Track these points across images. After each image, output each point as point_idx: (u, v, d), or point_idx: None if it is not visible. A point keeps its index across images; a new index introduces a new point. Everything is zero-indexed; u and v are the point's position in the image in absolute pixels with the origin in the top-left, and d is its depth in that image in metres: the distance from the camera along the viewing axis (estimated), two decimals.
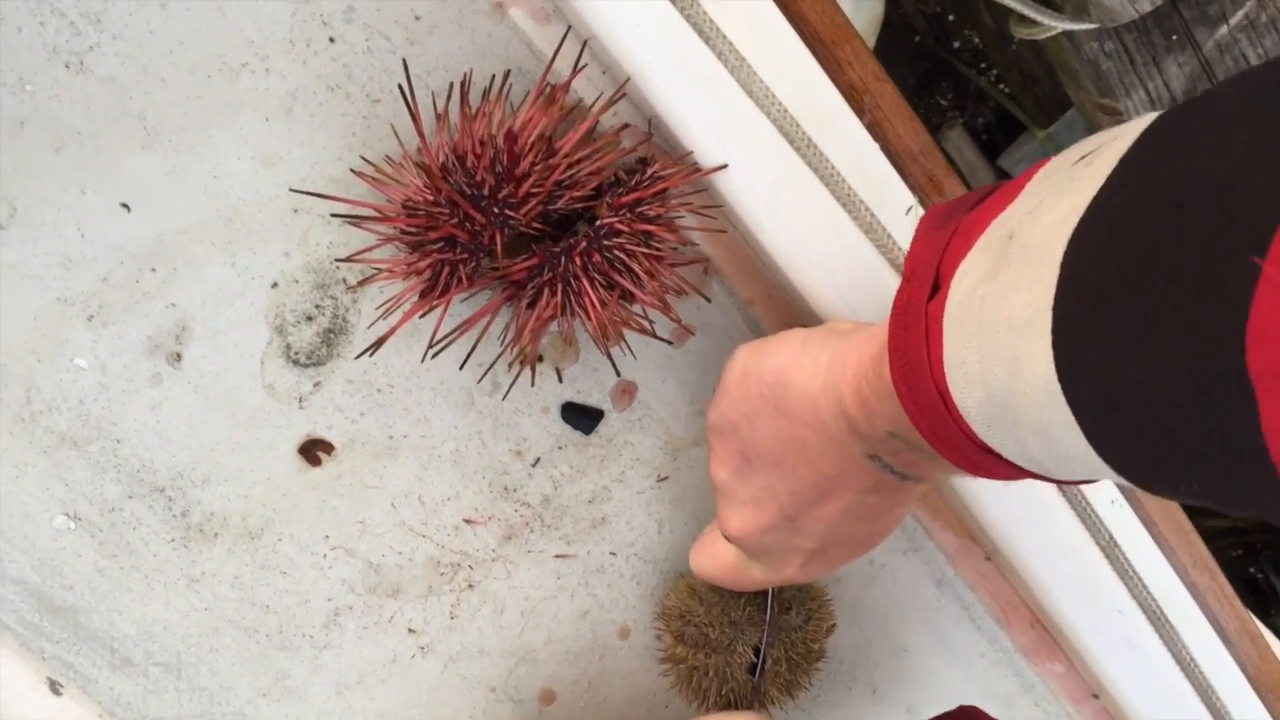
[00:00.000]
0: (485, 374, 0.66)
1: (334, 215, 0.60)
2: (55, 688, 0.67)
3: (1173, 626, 0.77)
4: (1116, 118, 1.09)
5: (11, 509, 0.64)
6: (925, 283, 0.45)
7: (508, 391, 0.67)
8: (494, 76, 0.60)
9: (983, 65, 1.61)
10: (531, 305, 0.58)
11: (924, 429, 0.45)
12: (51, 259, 0.59)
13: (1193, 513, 0.75)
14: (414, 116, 0.56)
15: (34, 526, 0.64)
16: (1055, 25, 1.01)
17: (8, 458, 0.63)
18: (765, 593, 0.68)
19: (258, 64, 0.58)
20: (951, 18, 1.61)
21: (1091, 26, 1.01)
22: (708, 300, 0.68)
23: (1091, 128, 1.19)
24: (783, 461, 0.56)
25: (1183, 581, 0.79)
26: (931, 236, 0.47)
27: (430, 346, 0.61)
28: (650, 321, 0.63)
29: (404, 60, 0.58)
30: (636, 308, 0.62)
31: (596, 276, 0.58)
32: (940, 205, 0.49)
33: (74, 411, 0.62)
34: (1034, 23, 1.04)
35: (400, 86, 0.59)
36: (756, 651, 0.68)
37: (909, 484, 0.54)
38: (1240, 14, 1.05)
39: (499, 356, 0.65)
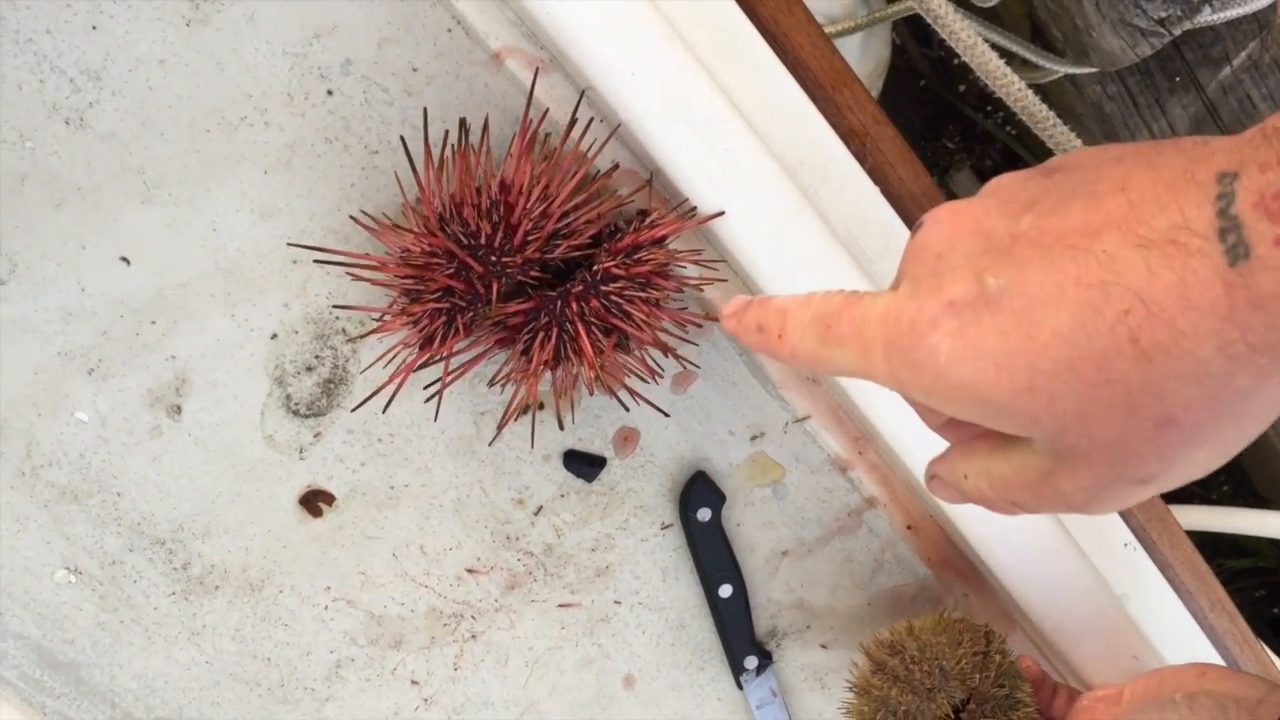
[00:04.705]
0: (499, 435, 0.66)
1: (317, 261, 0.60)
2: None
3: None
4: None
5: (13, 563, 0.63)
6: None
7: (497, 435, 0.67)
8: (480, 119, 0.60)
9: (988, 108, 1.62)
10: (527, 351, 0.58)
11: None
12: (52, 313, 0.60)
13: (1212, 554, 0.74)
14: (415, 169, 0.56)
15: (35, 581, 0.64)
16: (1057, 70, 1.02)
17: (9, 512, 0.63)
18: (983, 651, 0.65)
19: (256, 117, 0.58)
20: (956, 61, 1.61)
21: (1093, 70, 1.01)
22: (715, 321, 0.67)
23: None
24: (1078, 186, 0.36)
25: (1201, 626, 0.78)
26: None
27: (434, 398, 0.61)
28: (666, 354, 0.63)
29: (424, 109, 0.58)
30: (634, 360, 0.62)
31: (594, 322, 0.58)
32: None
33: (74, 465, 0.62)
34: (1036, 67, 1.04)
35: (402, 138, 0.59)
36: (956, 711, 0.64)
37: (1219, 281, 0.30)
38: (1243, 55, 1.05)
39: (509, 407, 0.64)
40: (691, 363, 0.68)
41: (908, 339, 0.36)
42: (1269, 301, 0.30)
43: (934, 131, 1.64)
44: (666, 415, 0.69)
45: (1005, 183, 0.38)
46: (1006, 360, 0.34)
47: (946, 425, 0.46)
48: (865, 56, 1.30)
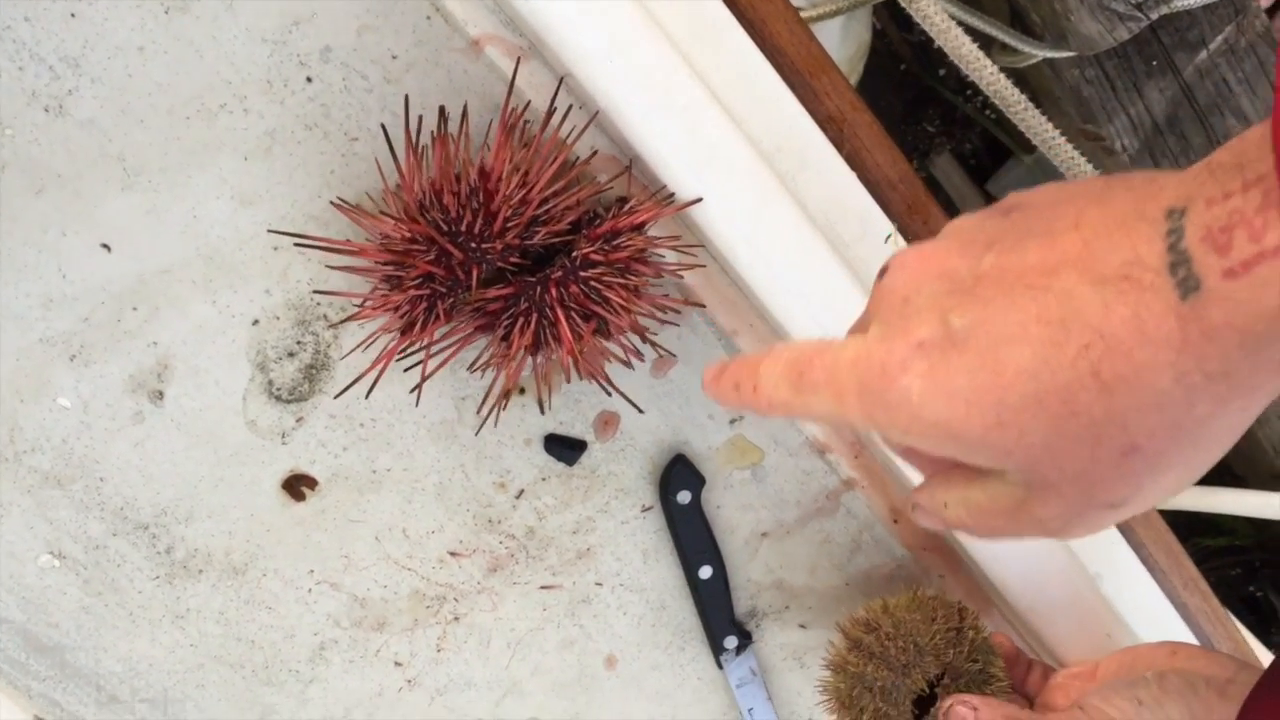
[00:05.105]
0: (484, 423, 0.67)
1: (298, 245, 0.60)
2: None
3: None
4: (1099, 143, 1.10)
5: None
6: None
7: (483, 423, 0.67)
8: (459, 106, 0.60)
9: (968, 92, 1.62)
10: (506, 337, 0.58)
11: None
12: (33, 300, 0.60)
13: (1188, 533, 0.75)
14: (395, 156, 0.57)
15: (19, 565, 0.65)
16: (1035, 53, 1.02)
17: None
18: (956, 627, 0.66)
19: (236, 104, 0.59)
20: (936, 45, 1.62)
21: (1071, 55, 1.01)
22: (702, 306, 0.68)
23: None
24: (1035, 224, 0.37)
25: (1174, 604, 0.79)
26: None
27: (417, 389, 0.62)
28: (644, 339, 0.63)
29: (406, 96, 0.58)
30: (614, 344, 0.62)
31: (573, 308, 0.58)
32: None
33: (57, 451, 0.63)
34: (1015, 51, 1.05)
35: (383, 125, 0.60)
36: (930, 686, 0.65)
37: (1172, 315, 0.31)
38: (1220, 39, 1.06)
39: (489, 392, 0.65)
40: (668, 350, 0.68)
41: (880, 382, 0.37)
42: (1220, 332, 0.31)
43: (914, 115, 1.65)
44: (641, 411, 0.70)
45: (964, 224, 0.40)
46: (976, 397, 0.35)
47: (912, 455, 0.46)
48: (846, 40, 1.30)
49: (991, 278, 0.36)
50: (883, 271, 0.40)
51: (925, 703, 0.65)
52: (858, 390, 0.38)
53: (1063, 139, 0.84)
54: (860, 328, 0.41)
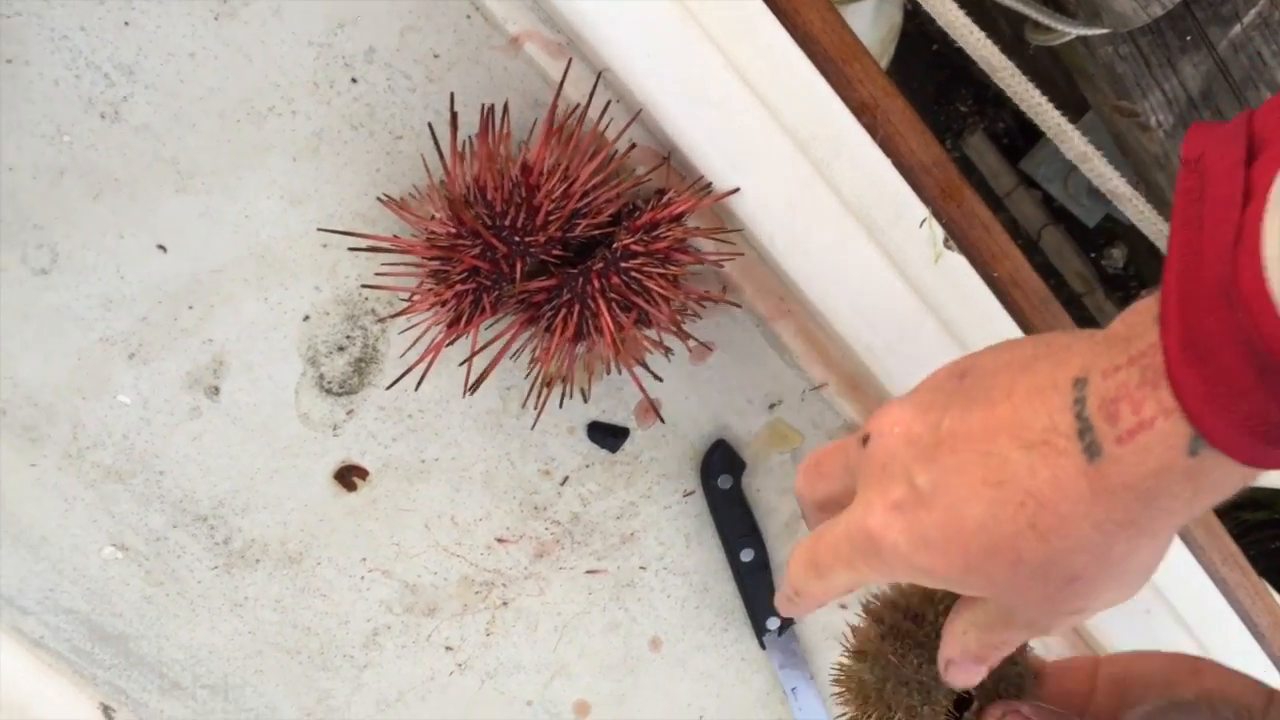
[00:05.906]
0: (541, 408, 0.68)
1: (351, 249, 0.62)
2: (108, 713, 0.70)
3: (1204, 623, 0.78)
4: (1134, 119, 1.10)
5: (62, 541, 0.66)
6: (1234, 179, 0.34)
7: (538, 417, 0.69)
8: (489, 105, 0.61)
9: None
10: (550, 328, 0.60)
11: (1180, 333, 0.34)
12: (93, 301, 0.62)
13: (1229, 507, 0.75)
14: (441, 154, 0.58)
15: (83, 557, 0.67)
16: (1069, 31, 1.02)
17: (57, 492, 0.65)
18: None
19: (284, 106, 0.60)
20: None
21: (1104, 31, 1.01)
22: (737, 306, 0.69)
23: (1110, 130, 1.19)
24: (978, 392, 0.42)
25: (1213, 578, 0.79)
26: (1224, 147, 0.36)
27: (467, 389, 0.63)
28: (678, 330, 0.64)
29: (451, 94, 0.60)
30: (653, 332, 0.64)
31: (614, 298, 0.59)
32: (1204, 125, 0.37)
33: (118, 446, 0.65)
34: (1048, 29, 1.04)
35: (430, 125, 0.61)
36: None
37: (1082, 476, 0.37)
38: (1253, 13, 1.06)
39: (533, 382, 0.66)
40: (703, 343, 0.70)
41: (873, 544, 0.43)
42: (1119, 490, 0.36)
43: (947, 96, 1.65)
44: (663, 421, 0.72)
45: (930, 383, 0.46)
46: (946, 547, 0.41)
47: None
48: (878, 22, 1.31)
49: (947, 444, 0.41)
50: (864, 439, 0.46)
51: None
52: (862, 556, 0.44)
53: (1076, 132, 0.84)
54: (845, 491, 0.47)
